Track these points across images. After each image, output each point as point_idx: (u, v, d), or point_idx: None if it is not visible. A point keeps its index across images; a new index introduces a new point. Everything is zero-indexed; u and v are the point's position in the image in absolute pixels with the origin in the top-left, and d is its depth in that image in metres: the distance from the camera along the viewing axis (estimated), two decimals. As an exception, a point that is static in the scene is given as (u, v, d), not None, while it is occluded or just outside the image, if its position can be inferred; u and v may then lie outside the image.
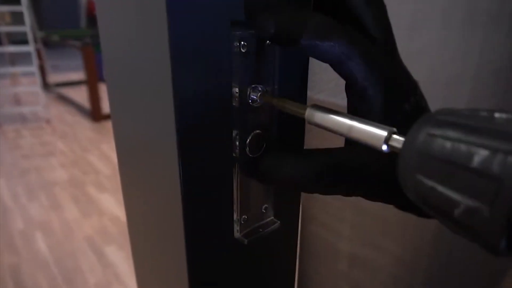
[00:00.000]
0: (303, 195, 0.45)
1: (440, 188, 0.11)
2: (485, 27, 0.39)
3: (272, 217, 0.22)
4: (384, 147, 0.14)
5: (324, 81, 0.32)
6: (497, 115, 0.11)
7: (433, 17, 0.38)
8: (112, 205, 1.94)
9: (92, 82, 3.10)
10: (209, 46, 0.18)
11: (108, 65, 0.24)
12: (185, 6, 0.16)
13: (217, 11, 0.17)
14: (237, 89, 0.19)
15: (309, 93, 0.33)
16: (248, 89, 0.19)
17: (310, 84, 0.32)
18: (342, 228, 0.42)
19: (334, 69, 0.19)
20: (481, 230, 0.11)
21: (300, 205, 0.27)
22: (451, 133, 0.11)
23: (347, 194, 0.19)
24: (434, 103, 0.44)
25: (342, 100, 0.34)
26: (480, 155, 0.10)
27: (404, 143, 0.13)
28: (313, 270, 0.46)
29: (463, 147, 0.11)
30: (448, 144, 0.11)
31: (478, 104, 0.46)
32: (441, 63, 0.41)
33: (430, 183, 0.12)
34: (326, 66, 0.26)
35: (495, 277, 0.37)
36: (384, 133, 0.14)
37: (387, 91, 0.18)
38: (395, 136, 0.14)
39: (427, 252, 0.38)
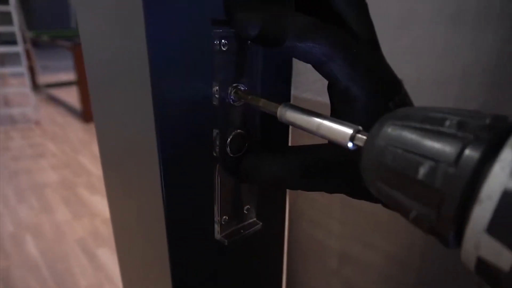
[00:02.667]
0: (290, 194, 0.45)
1: (395, 194, 0.12)
2: (473, 26, 0.39)
3: (255, 218, 0.22)
4: (350, 145, 0.14)
5: (310, 80, 0.32)
6: (449, 118, 0.12)
7: (422, 15, 0.38)
8: (104, 207, 1.92)
9: (83, 82, 3.06)
10: (188, 44, 0.17)
11: (88, 65, 0.24)
12: (163, 3, 0.16)
13: (196, 9, 0.17)
14: (217, 88, 0.18)
15: (295, 92, 0.33)
16: (229, 88, 0.19)
17: (296, 83, 0.32)
18: (332, 226, 0.42)
19: (316, 70, 0.19)
20: (431, 229, 0.12)
21: (287, 206, 0.26)
22: (403, 141, 0.12)
23: (331, 191, 0.19)
24: (423, 101, 0.44)
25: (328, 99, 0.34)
26: (424, 167, 0.11)
27: (366, 142, 0.14)
28: (302, 268, 0.46)
29: (411, 157, 0.12)
30: (399, 154, 0.12)
31: (466, 102, 0.46)
32: (430, 61, 0.41)
33: (387, 189, 0.13)
34: (311, 67, 0.26)
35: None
36: (349, 131, 0.14)
37: (371, 90, 0.18)
38: (360, 134, 0.14)
39: (420, 249, 0.38)
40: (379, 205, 0.21)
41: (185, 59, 0.17)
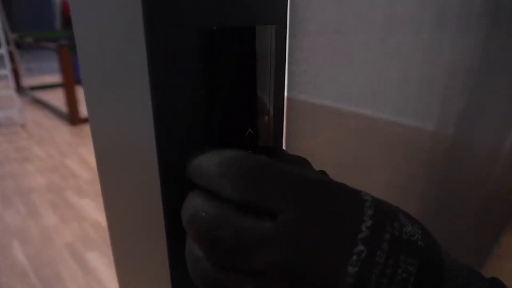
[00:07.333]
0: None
1: None
2: (455, 29, 0.40)
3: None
4: None
5: (304, 82, 0.32)
6: None
7: (405, 20, 0.40)
8: (93, 210, 1.90)
9: (69, 84, 3.02)
10: (186, 50, 0.18)
11: (86, 72, 0.24)
12: (162, 20, 0.16)
13: (194, 16, 0.17)
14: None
15: (290, 94, 0.34)
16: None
17: (290, 85, 0.32)
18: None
19: None
20: None
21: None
22: None
23: None
24: (409, 101, 0.45)
25: (322, 100, 0.35)
26: None
27: None
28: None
29: None
30: None
31: (451, 101, 0.47)
32: (414, 63, 0.42)
33: None
34: (305, 70, 0.26)
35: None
36: None
37: None
38: None
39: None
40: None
41: (183, 64, 0.18)
